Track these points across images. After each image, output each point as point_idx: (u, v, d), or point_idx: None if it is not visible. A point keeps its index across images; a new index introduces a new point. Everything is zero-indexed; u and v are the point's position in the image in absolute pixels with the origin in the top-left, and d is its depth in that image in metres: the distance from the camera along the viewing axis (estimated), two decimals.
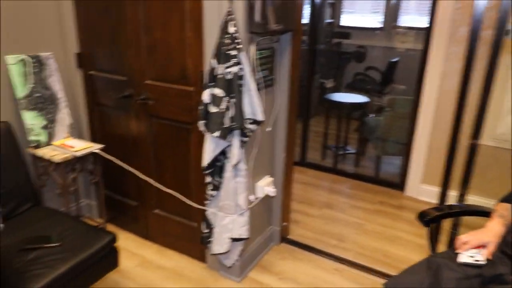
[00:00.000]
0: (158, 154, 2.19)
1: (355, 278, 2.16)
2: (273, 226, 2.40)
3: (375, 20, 5.24)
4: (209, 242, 1.99)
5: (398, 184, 3.21)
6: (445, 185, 1.96)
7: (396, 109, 3.22)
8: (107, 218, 2.54)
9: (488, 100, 1.76)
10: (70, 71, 2.35)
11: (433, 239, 1.63)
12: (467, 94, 1.80)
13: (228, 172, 1.84)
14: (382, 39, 5.14)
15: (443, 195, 1.98)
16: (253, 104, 1.79)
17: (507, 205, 1.42)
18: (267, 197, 2.19)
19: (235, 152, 1.78)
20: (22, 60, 2.09)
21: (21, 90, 2.08)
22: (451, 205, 1.80)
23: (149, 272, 2.16)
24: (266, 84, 1.98)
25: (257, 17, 1.71)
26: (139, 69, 2.09)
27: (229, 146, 1.80)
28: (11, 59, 2.05)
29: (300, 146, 3.61)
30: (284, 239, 2.46)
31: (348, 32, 5.30)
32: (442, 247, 1.78)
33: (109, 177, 2.44)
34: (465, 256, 1.33)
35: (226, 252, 1.99)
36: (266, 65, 1.96)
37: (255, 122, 1.82)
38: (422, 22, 4.60)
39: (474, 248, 1.35)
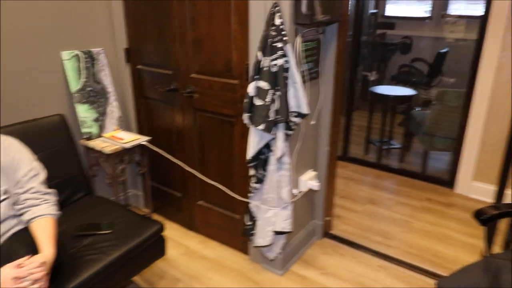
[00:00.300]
0: (202, 147, 2.23)
1: (401, 276, 2.09)
2: (316, 221, 2.37)
3: (421, 10, 5.01)
4: (252, 234, 2.00)
5: (447, 180, 3.06)
6: (502, 183, 1.85)
7: (446, 102, 3.06)
8: (153, 208, 2.63)
9: None
10: (119, 65, 2.44)
11: (490, 239, 1.54)
12: None
13: (272, 165, 1.83)
14: (430, 29, 4.91)
15: (500, 193, 1.86)
16: (298, 96, 1.76)
17: None
18: (310, 191, 2.17)
19: (280, 145, 1.77)
20: (76, 55, 2.20)
21: (74, 84, 2.19)
22: (509, 204, 1.69)
23: (193, 261, 2.21)
24: (311, 76, 1.95)
25: (304, 8, 1.68)
26: (184, 63, 2.12)
27: (273, 139, 1.79)
28: (66, 55, 2.16)
29: (342, 140, 3.53)
30: (327, 234, 2.43)
31: (392, 22, 5.11)
32: (496, 249, 1.68)
33: (155, 169, 2.51)
34: None
35: (268, 245, 1.99)
36: (311, 57, 1.93)
37: (299, 115, 1.80)
38: (475, 10, 4.34)
39: None
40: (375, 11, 5.07)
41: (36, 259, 1.22)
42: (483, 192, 2.83)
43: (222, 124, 2.08)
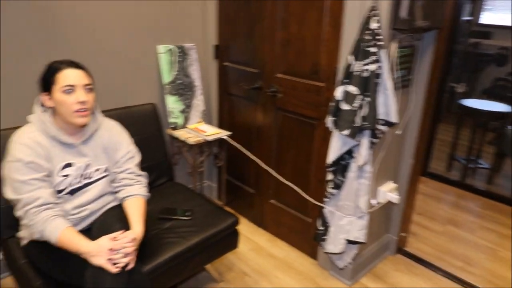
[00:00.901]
0: (280, 146, 2.24)
1: None
2: (390, 235, 2.26)
3: None
4: (323, 240, 1.97)
5: None
6: None
7: None
8: (225, 201, 2.72)
9: None
10: (207, 61, 2.55)
11: None
12: None
13: (352, 172, 1.79)
14: None
15: None
16: (387, 104, 1.70)
17: None
18: (388, 204, 2.08)
19: (363, 152, 1.72)
20: (170, 49, 2.34)
21: (167, 76, 2.33)
22: None
23: (261, 258, 2.24)
24: (402, 84, 1.86)
25: (403, 13, 1.61)
26: (271, 63, 2.15)
27: (356, 145, 1.74)
28: (162, 49, 2.30)
29: (423, 154, 3.32)
30: (401, 250, 2.31)
31: (488, 31, 4.71)
32: None
33: (231, 163, 2.59)
34: None
35: (339, 253, 1.95)
36: (405, 64, 1.84)
37: (387, 123, 1.73)
38: None
39: None
40: (469, 18, 4.71)
41: (129, 235, 1.32)
42: None
43: (303, 125, 2.08)
